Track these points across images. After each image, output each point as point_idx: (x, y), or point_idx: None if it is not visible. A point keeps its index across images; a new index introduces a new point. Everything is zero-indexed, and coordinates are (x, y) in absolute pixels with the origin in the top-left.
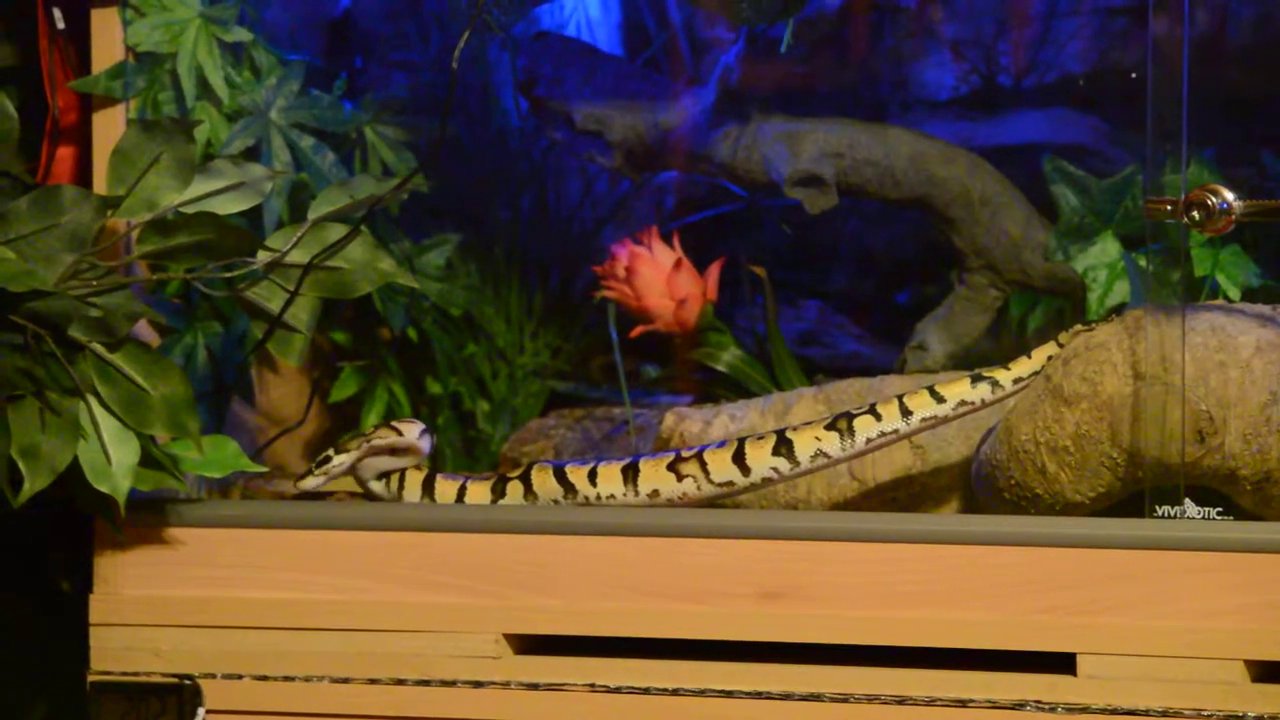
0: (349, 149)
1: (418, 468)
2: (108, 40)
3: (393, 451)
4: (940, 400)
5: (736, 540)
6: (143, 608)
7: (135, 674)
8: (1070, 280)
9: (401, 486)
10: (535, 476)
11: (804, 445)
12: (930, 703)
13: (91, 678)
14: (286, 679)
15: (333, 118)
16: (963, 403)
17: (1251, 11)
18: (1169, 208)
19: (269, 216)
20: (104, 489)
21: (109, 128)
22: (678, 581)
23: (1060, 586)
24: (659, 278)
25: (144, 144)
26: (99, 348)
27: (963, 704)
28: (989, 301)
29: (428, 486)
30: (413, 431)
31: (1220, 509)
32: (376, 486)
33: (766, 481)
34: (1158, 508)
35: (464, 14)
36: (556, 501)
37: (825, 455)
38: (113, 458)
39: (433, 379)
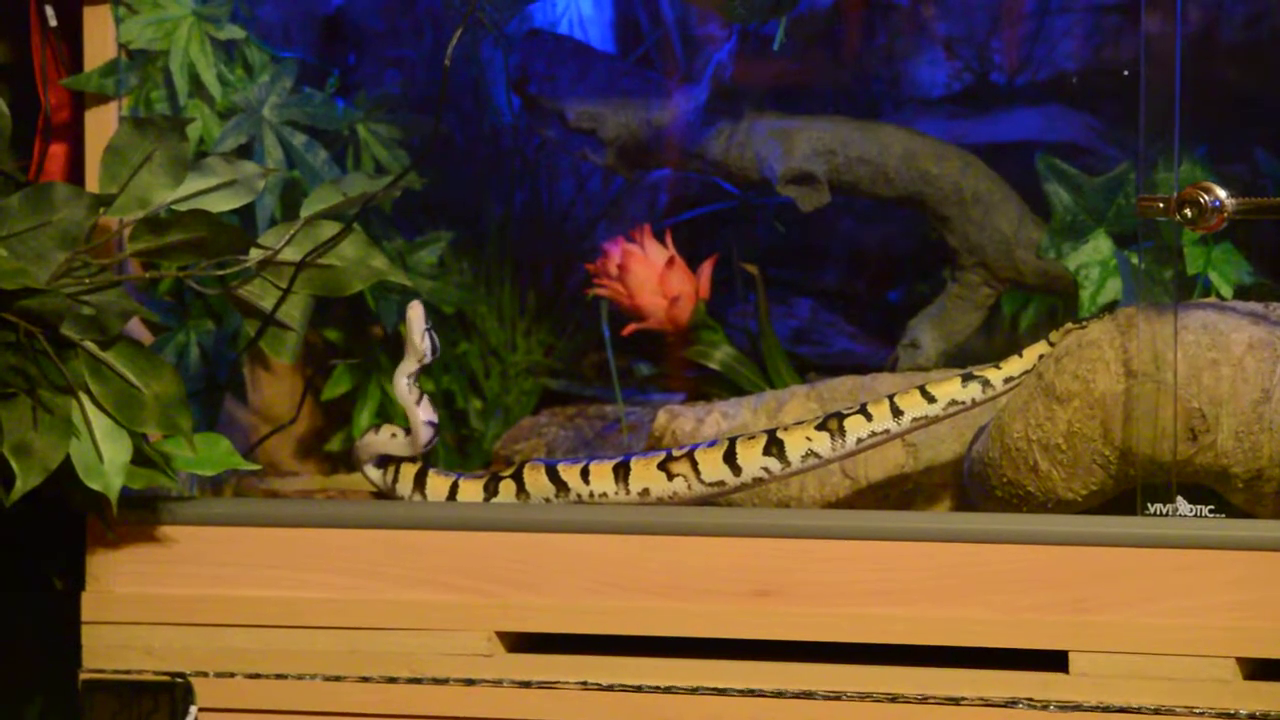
0: (341, 146)
1: (412, 461)
2: (100, 38)
3: (397, 434)
4: (931, 400)
5: (729, 538)
6: (135, 606)
7: (127, 672)
8: (1063, 278)
9: (396, 479)
10: (528, 475)
11: (795, 445)
12: (922, 700)
13: (84, 676)
14: (279, 677)
15: (325, 115)
16: (953, 402)
17: (1244, 9)
18: (1161, 205)
19: (261, 214)
20: (96, 487)
21: (101, 125)
22: (670, 579)
23: (1052, 584)
24: (651, 275)
25: (136, 142)
26: (91, 345)
27: (955, 702)
28: (981, 299)
29: (420, 481)
30: (419, 415)
31: (1212, 507)
32: (374, 475)
33: (757, 481)
34: (1150, 505)
35: (457, 11)
36: (549, 500)
37: (816, 455)
38: (105, 456)
39: (425, 377)
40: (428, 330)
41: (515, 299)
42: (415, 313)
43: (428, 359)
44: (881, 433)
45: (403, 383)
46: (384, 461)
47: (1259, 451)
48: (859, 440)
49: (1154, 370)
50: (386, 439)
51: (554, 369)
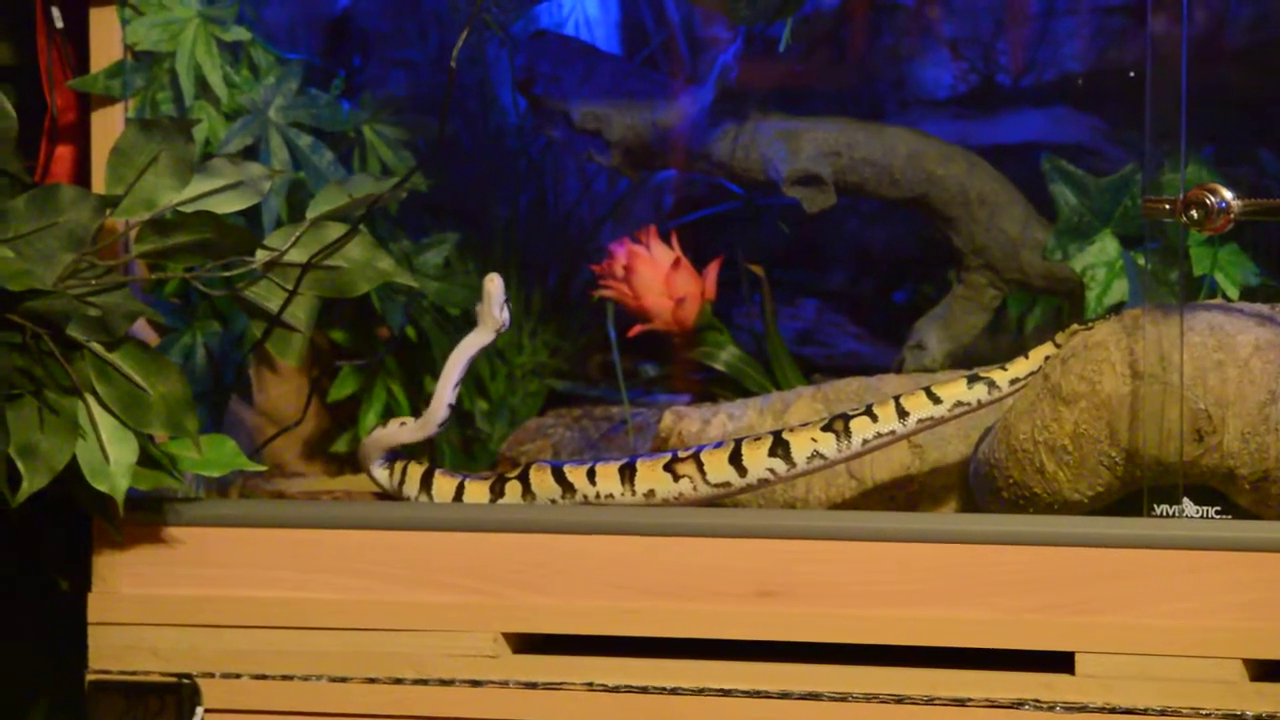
0: (347, 148)
1: (418, 462)
2: (106, 39)
3: (406, 422)
4: (937, 401)
5: (734, 539)
6: (141, 607)
7: (133, 673)
8: (1069, 279)
9: (403, 480)
10: (533, 476)
11: (800, 446)
12: (928, 702)
13: (90, 677)
14: (285, 678)
15: (331, 117)
16: (959, 404)
17: (1249, 10)
18: (1167, 206)
19: (267, 215)
20: (102, 488)
21: (107, 127)
22: (675, 580)
23: (1059, 585)
24: (657, 277)
25: (142, 143)
26: (97, 347)
27: (961, 703)
28: (987, 301)
29: (426, 481)
30: (447, 393)
31: (1219, 508)
32: (381, 475)
33: (763, 483)
34: (1156, 507)
35: (462, 13)
36: (554, 501)
37: (821, 457)
38: (111, 457)
39: (431, 378)
40: (506, 302)
41: (521, 300)
42: (495, 285)
43: (504, 329)
44: (887, 434)
45: (465, 358)
46: (392, 458)
47: (1265, 453)
48: (864, 441)
49: (1160, 371)
50: (395, 429)
51: (560, 370)
